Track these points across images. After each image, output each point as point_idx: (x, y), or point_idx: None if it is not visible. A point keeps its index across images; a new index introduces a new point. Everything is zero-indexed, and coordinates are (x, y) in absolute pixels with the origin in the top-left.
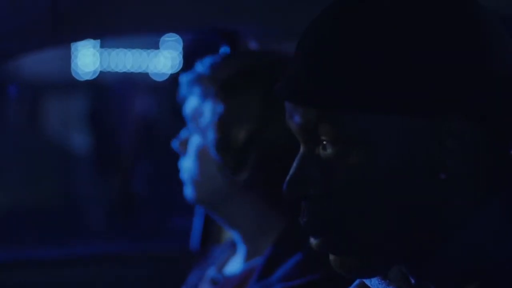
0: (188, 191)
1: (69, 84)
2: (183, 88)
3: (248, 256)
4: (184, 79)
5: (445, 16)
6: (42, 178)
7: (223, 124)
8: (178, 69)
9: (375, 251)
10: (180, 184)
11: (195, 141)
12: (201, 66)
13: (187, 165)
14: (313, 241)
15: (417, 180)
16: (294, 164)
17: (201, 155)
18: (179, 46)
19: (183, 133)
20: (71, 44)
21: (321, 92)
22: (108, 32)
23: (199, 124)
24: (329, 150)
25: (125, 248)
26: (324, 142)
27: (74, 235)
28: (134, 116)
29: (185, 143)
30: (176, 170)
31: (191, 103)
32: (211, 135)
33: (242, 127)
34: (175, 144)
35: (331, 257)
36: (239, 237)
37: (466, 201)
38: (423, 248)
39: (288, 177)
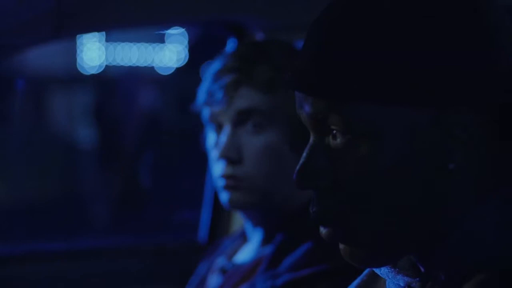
0: (239, 198)
1: (75, 78)
2: (224, 84)
3: (263, 245)
4: (225, 73)
5: (452, 8)
6: (48, 172)
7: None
8: (184, 63)
9: (384, 242)
10: (186, 177)
11: (257, 139)
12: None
13: (246, 170)
14: (322, 230)
15: (425, 171)
16: (304, 154)
17: (269, 150)
18: (185, 40)
19: (222, 138)
20: (77, 38)
21: (330, 83)
22: (113, 25)
23: (266, 116)
24: (338, 140)
25: (132, 241)
26: (334, 132)
27: (80, 228)
28: (140, 110)
29: (233, 148)
30: (181, 163)
31: (249, 98)
32: (285, 120)
33: None
34: (215, 152)
35: (341, 246)
36: (259, 231)
37: (475, 192)
38: (432, 238)
39: (298, 167)
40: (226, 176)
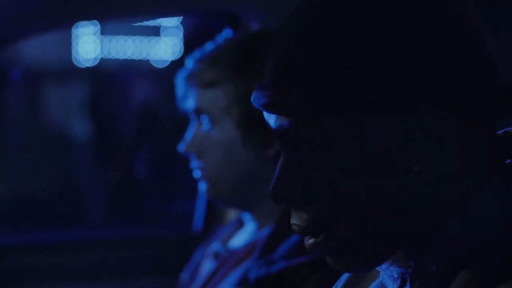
0: (209, 189)
1: (70, 71)
2: (182, 87)
3: (257, 230)
4: (180, 78)
5: (407, 10)
6: (44, 165)
7: (247, 100)
8: (179, 56)
9: (365, 250)
10: (181, 169)
11: (211, 135)
12: (194, 61)
13: (207, 163)
14: (306, 241)
15: (394, 175)
16: (277, 168)
17: (223, 145)
18: (180, 33)
19: (188, 135)
20: (72, 31)
21: (287, 100)
22: (110, 15)
23: (214, 113)
24: (304, 154)
25: (127, 232)
26: (299, 146)
27: (77, 220)
28: (135, 103)
29: (195, 144)
30: (177, 155)
31: (197, 98)
32: (235, 115)
33: None
34: (181, 147)
35: (326, 256)
36: (250, 217)
37: (456, 186)
38: (417, 237)
39: (272, 182)
40: (193, 168)
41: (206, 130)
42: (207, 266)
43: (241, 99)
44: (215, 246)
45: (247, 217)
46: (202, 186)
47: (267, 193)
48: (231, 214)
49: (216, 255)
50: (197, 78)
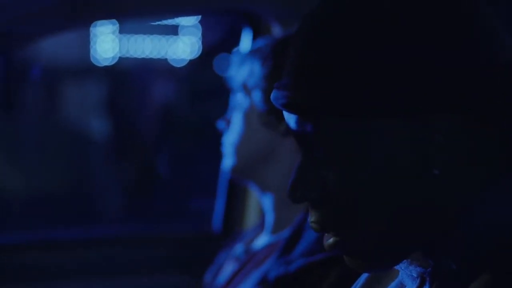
0: (229, 161)
1: (88, 70)
2: (236, 64)
3: (275, 227)
4: (238, 55)
5: (425, 14)
6: (62, 163)
7: (272, 76)
8: (197, 55)
9: (380, 250)
10: (198, 167)
11: (241, 105)
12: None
13: (231, 135)
14: (325, 241)
15: (410, 178)
16: (294, 168)
17: (246, 115)
18: (198, 32)
19: (228, 114)
20: (90, 30)
21: (306, 101)
22: (127, 15)
23: (248, 87)
24: (321, 155)
25: (146, 230)
26: (315, 147)
27: (95, 218)
28: (153, 102)
29: (229, 121)
30: (194, 154)
31: (243, 73)
32: (259, 89)
33: None
34: (221, 124)
35: (344, 255)
36: (270, 203)
37: (470, 187)
38: (431, 238)
39: (290, 181)
40: (223, 143)
41: (238, 104)
42: (229, 267)
43: (269, 75)
44: (238, 248)
45: (267, 205)
46: (228, 162)
47: (285, 171)
48: (251, 213)
49: (238, 257)
50: (249, 57)
